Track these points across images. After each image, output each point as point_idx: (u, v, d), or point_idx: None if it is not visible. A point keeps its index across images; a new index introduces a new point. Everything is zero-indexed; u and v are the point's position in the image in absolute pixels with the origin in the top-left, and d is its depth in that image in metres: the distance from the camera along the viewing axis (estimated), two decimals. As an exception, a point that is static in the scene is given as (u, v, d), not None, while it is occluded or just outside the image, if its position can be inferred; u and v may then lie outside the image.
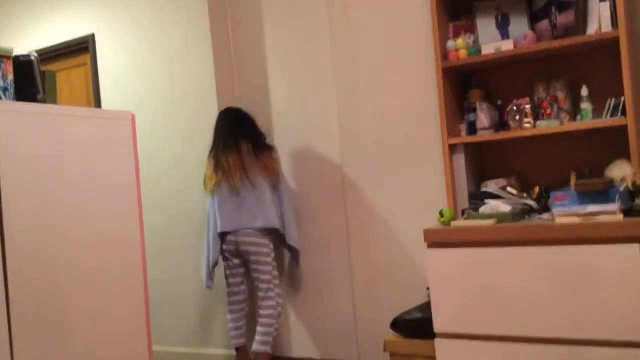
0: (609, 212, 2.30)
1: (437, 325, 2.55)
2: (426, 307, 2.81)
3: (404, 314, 2.88)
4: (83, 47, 4.05)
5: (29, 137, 2.00)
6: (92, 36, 4.01)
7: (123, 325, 2.35)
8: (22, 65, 2.02)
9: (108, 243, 2.29)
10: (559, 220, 2.37)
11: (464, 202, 2.82)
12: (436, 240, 2.56)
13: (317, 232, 3.49)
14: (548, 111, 2.64)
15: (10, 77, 1.96)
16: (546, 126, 2.62)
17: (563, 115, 2.64)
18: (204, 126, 3.59)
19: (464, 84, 2.94)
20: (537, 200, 2.67)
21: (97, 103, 3.96)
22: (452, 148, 2.81)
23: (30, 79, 2.03)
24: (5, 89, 1.93)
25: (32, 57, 2.06)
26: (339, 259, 3.45)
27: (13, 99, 1.99)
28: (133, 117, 2.37)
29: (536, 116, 2.67)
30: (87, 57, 4.06)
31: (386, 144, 3.27)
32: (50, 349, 2.06)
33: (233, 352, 3.45)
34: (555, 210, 2.42)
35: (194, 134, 3.69)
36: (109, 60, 3.98)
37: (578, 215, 2.34)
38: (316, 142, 3.48)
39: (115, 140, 2.29)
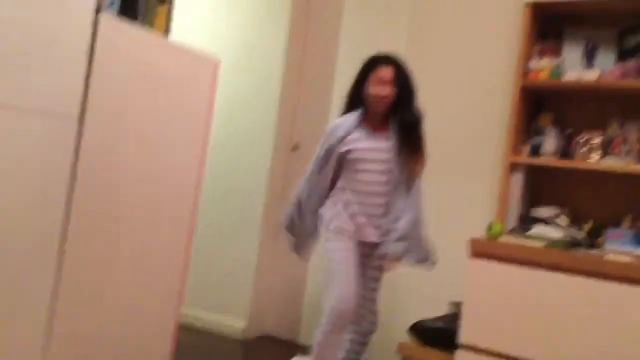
0: (664, 259, 2.27)
1: (464, 337, 2.53)
2: (449, 319, 2.80)
3: (425, 320, 2.85)
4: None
5: (122, 55, 2.02)
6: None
7: (165, 244, 2.41)
8: (129, -15, 2.05)
9: (167, 175, 2.31)
10: (611, 256, 2.35)
11: (511, 223, 2.81)
12: (481, 251, 2.54)
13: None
14: (618, 149, 2.63)
15: (118, -6, 1.99)
16: (613, 163, 2.61)
17: (632, 156, 2.62)
18: (267, 93, 3.67)
19: (535, 107, 2.93)
20: (588, 235, 2.65)
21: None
22: (512, 167, 2.80)
23: (134, 1, 2.06)
24: (112, 3, 1.96)
25: (140, -19, 2.09)
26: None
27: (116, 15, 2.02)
28: (218, 65, 2.39)
29: (604, 152, 2.66)
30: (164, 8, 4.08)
31: (443, 149, 3.25)
32: (99, 250, 2.12)
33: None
34: (609, 246, 2.40)
35: (258, 100, 3.74)
36: (186, 15, 4.00)
37: (631, 255, 2.32)
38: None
39: (200, 80, 2.31)
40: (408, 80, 2.51)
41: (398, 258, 2.53)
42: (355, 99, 2.55)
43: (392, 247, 2.49)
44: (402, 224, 2.48)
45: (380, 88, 2.45)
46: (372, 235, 2.52)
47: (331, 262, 2.47)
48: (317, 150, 2.59)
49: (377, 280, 2.64)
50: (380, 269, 2.62)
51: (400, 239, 2.48)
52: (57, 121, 1.86)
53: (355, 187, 2.50)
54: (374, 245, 2.54)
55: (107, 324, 2.18)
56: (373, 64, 2.51)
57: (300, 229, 2.63)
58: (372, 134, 2.51)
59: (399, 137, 2.49)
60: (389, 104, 2.49)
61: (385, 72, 2.46)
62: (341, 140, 2.48)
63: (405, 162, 2.49)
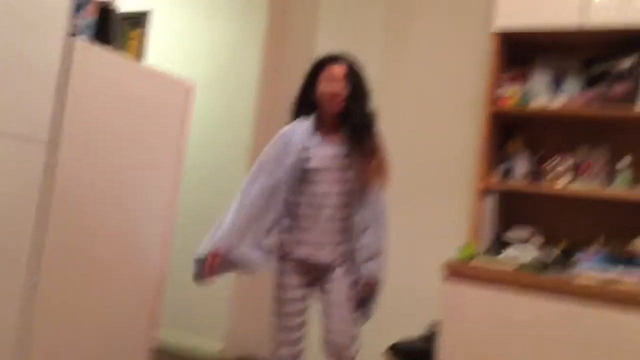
0: (634, 279, 2.32)
1: (441, 357, 2.53)
2: (428, 339, 2.81)
3: (405, 340, 2.86)
4: (137, 21, 4.07)
5: (97, 79, 2.02)
6: (146, 13, 4.05)
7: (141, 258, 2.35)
8: (103, 11, 2.05)
9: (142, 198, 2.29)
10: (582, 277, 2.39)
11: (485, 245, 2.83)
12: (456, 273, 2.56)
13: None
14: (586, 173, 2.68)
15: (92, 19, 1.98)
16: (581, 187, 2.66)
17: (600, 179, 2.68)
18: (241, 116, 3.68)
19: (504, 133, 2.98)
20: (559, 256, 2.69)
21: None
22: (484, 190, 2.84)
23: (107, 26, 2.06)
24: (84, 29, 1.95)
25: (114, 7, 2.09)
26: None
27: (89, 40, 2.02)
28: (192, 88, 2.39)
29: (573, 176, 2.71)
30: (138, 33, 4.08)
31: (416, 173, 3.29)
32: (73, 273, 2.10)
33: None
34: (581, 267, 2.44)
35: (231, 123, 3.74)
36: (160, 38, 4.01)
37: (602, 276, 2.36)
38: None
39: (173, 104, 2.30)
40: (361, 78, 2.28)
41: (375, 280, 2.23)
42: (305, 105, 2.29)
43: (367, 269, 2.21)
44: (368, 240, 2.23)
45: (334, 85, 2.20)
46: (327, 256, 2.22)
47: (276, 303, 2.24)
48: (264, 159, 2.25)
49: (342, 306, 2.24)
50: (348, 292, 2.24)
51: (371, 256, 2.22)
52: (27, 144, 1.84)
53: (308, 201, 2.20)
54: (328, 265, 2.24)
55: (82, 348, 2.13)
56: (323, 63, 2.27)
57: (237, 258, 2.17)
58: (326, 140, 2.25)
59: (352, 141, 2.22)
60: (343, 102, 2.23)
61: (338, 69, 2.22)
62: (300, 147, 2.21)
63: (362, 170, 2.22)
